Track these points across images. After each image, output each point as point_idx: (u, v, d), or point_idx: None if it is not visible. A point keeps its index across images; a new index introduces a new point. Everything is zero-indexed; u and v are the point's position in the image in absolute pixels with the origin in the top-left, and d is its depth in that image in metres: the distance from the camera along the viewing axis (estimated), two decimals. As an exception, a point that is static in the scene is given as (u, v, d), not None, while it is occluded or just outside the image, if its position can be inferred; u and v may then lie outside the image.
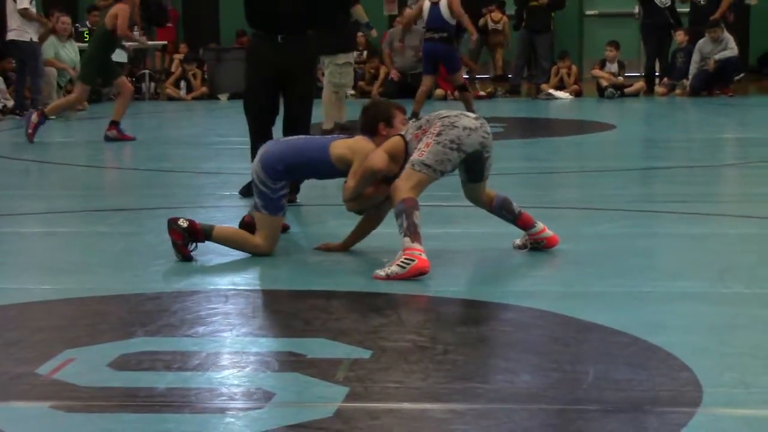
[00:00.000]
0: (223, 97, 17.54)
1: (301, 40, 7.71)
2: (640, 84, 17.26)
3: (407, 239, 5.55)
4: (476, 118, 5.94)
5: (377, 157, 5.81)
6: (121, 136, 12.44)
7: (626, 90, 16.98)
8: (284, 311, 5.13)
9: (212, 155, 11.23)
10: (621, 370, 4.09)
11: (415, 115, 12.49)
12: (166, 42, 18.78)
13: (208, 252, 6.20)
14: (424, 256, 5.50)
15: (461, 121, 5.83)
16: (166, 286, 5.50)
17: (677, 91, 16.88)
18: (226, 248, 6.15)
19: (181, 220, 6.07)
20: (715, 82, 16.68)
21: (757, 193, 8.32)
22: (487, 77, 19.91)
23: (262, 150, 6.15)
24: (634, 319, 4.76)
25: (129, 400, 3.83)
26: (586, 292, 5.28)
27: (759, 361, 4.19)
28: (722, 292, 5.28)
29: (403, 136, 5.91)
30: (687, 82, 16.80)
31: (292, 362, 4.21)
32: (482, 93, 16.75)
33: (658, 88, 17.24)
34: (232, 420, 3.65)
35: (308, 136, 6.49)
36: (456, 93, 13.91)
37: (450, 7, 12.94)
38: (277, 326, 4.84)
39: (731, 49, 16.59)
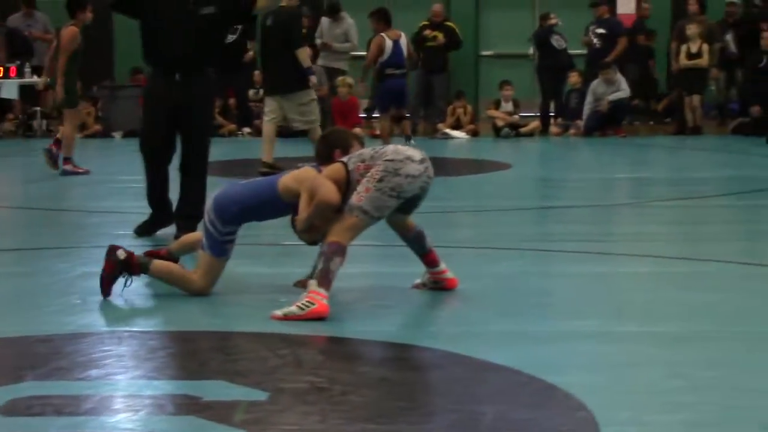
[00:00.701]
0: (118, 135, 17.34)
1: (198, 78, 7.66)
2: (535, 124, 17.47)
3: (314, 282, 5.49)
4: (421, 161, 5.77)
5: (328, 190, 5.62)
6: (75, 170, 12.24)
7: (521, 130, 17.17)
8: (179, 353, 5.04)
9: (106, 194, 11.07)
10: (519, 411, 4.09)
11: None
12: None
13: (99, 293, 6.08)
14: (325, 302, 5.45)
15: (405, 168, 5.66)
16: (58, 328, 5.37)
17: (571, 131, 17.12)
18: (118, 288, 6.02)
19: (120, 251, 5.97)
20: (608, 123, 16.97)
21: (650, 232, 8.44)
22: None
23: (216, 192, 6.06)
24: (532, 358, 4.77)
25: (18, 446, 3.72)
26: (484, 332, 5.28)
27: (655, 399, 4.23)
28: (618, 331, 5.33)
29: (345, 164, 5.82)
30: (581, 123, 17.05)
31: (187, 405, 4.13)
32: (378, 132, 16.77)
33: (553, 128, 17.47)
34: (125, 466, 3.57)
35: (261, 178, 6.34)
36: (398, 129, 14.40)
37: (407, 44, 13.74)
38: (171, 368, 4.75)
39: (624, 90, 16.91)
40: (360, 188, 5.66)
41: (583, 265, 7.04)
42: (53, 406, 4.11)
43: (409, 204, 5.86)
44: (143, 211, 8.21)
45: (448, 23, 18.01)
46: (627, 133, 17.05)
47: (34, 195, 11.22)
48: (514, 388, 4.40)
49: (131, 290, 6.07)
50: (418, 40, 17.46)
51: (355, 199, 5.64)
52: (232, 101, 17.68)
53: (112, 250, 5.97)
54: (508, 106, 17.39)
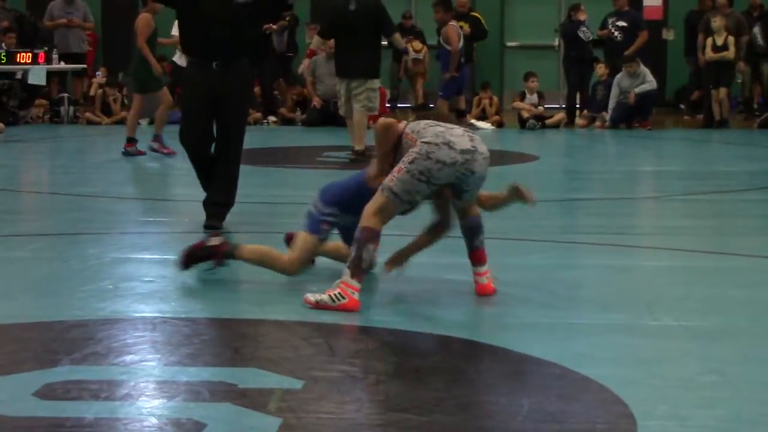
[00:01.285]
0: (144, 122, 17.37)
1: (235, 67, 7.69)
2: (560, 115, 17.41)
3: (348, 272, 5.48)
4: (463, 151, 5.55)
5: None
6: (163, 149, 12.57)
7: (547, 121, 17.12)
8: (213, 340, 5.05)
9: (133, 181, 11.09)
10: (555, 403, 4.08)
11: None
12: (85, 65, 18.54)
13: (133, 279, 6.10)
14: (356, 296, 5.43)
15: (438, 153, 5.49)
16: (91, 313, 5.38)
17: (597, 123, 17.06)
18: (152, 275, 6.03)
19: (215, 239, 6.07)
20: (634, 116, 16.90)
21: (677, 226, 8.41)
22: (408, 106, 19.96)
23: (326, 185, 6.15)
24: (566, 350, 4.76)
25: (56, 429, 3.74)
26: (516, 324, 5.27)
27: (691, 394, 4.22)
28: (650, 325, 5.32)
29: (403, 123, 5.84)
30: (606, 115, 16.99)
31: (222, 392, 4.14)
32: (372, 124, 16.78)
33: (579, 120, 17.41)
34: (163, 451, 3.58)
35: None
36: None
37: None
38: (206, 355, 4.76)
39: (650, 82, 16.82)
40: (395, 168, 5.62)
41: (612, 257, 7.02)
42: (89, 391, 4.13)
43: (458, 191, 5.72)
44: (171, 197, 8.22)
45: (474, 13, 17.96)
46: (653, 126, 16.97)
47: (62, 181, 11.25)
48: (549, 381, 4.39)
49: (161, 279, 6.09)
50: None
51: (388, 178, 5.60)
52: (257, 90, 17.68)
53: (211, 236, 6.08)
54: (533, 98, 17.34)
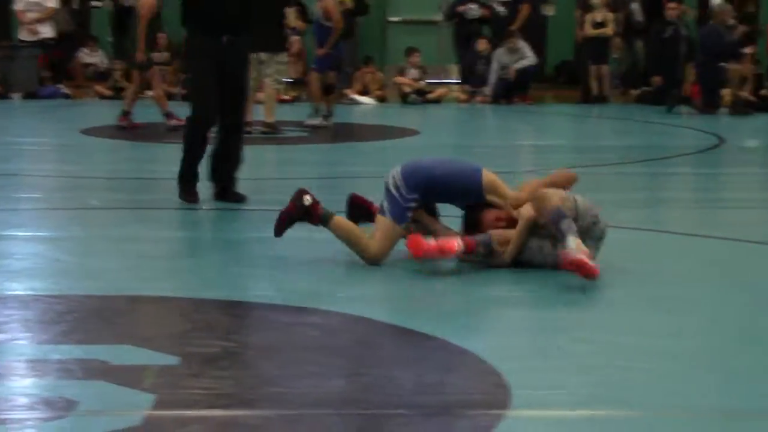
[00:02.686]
0: (16, 96, 16.98)
1: (242, 39, 7.73)
2: (441, 90, 17.50)
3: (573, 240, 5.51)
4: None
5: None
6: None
7: (428, 96, 17.18)
8: (87, 317, 4.96)
9: (6, 156, 10.84)
10: (433, 374, 4.11)
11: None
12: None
13: (5, 256, 5.97)
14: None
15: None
16: (-40, 291, 5.25)
17: (478, 98, 17.18)
18: (24, 252, 5.91)
19: (308, 197, 5.85)
20: (514, 90, 17.05)
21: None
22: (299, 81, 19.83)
23: (406, 161, 6.01)
24: (444, 323, 4.79)
25: None
26: (395, 297, 5.29)
27: (565, 363, 4.28)
28: (526, 296, 5.38)
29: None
30: (487, 90, 17.11)
31: (96, 369, 4.08)
32: (286, 97, 16.66)
33: (460, 95, 17.52)
34: (33, 431, 3.51)
35: (458, 158, 6.36)
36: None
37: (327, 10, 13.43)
38: (79, 332, 4.67)
39: (529, 57, 17.00)
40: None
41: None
42: (-43, 371, 4.03)
43: None
44: (42, 173, 8.04)
45: (356, -12, 17.91)
46: (533, 101, 17.16)
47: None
48: (426, 353, 4.41)
49: (36, 253, 5.97)
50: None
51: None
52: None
53: (300, 193, 5.86)
54: (415, 73, 17.38)
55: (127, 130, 12.49)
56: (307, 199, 5.86)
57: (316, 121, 13.38)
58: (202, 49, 7.68)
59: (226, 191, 7.64)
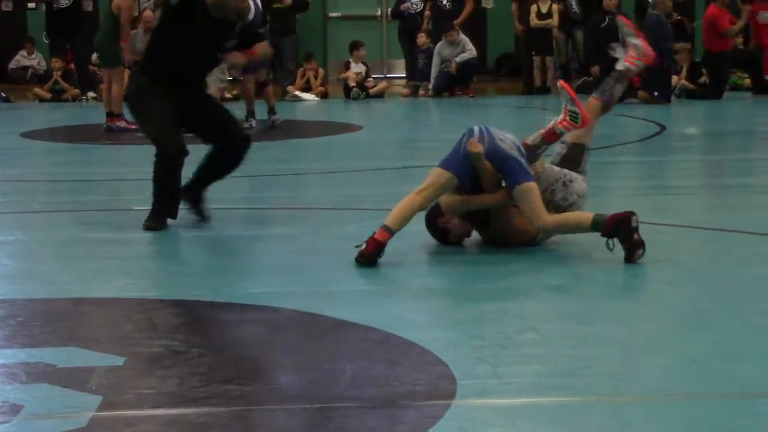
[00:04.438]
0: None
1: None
2: (383, 85, 17.50)
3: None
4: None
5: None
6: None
7: (371, 91, 17.17)
8: (31, 320, 4.92)
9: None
10: (377, 367, 4.12)
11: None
12: None
13: (-53, 262, 5.92)
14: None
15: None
16: None
17: (420, 92, 17.21)
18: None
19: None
20: (456, 84, 17.10)
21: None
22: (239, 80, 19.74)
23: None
24: (387, 315, 4.80)
25: None
26: (339, 291, 5.30)
27: (509, 352, 4.31)
28: (470, 287, 5.41)
29: None
30: (429, 84, 17.15)
31: (41, 372, 4.06)
32: (228, 95, 16.59)
33: (403, 89, 17.55)
34: (-23, 436, 3.49)
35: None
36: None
37: None
38: (23, 336, 4.64)
39: (470, 50, 17.06)
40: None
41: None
42: None
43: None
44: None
45: (296, -15, 17.87)
46: (475, 94, 17.21)
47: None
48: (372, 346, 4.43)
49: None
50: (264, 1, 17.31)
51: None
52: (71, 66, 17.24)
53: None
54: (358, 68, 17.37)
55: (115, 131, 12.36)
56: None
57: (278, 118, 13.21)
58: (154, 92, 6.89)
59: (197, 205, 7.03)
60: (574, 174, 6.14)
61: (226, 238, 6.56)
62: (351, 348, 4.43)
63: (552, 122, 6.02)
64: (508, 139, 5.99)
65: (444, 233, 6.16)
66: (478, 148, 5.88)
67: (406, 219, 5.92)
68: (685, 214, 7.16)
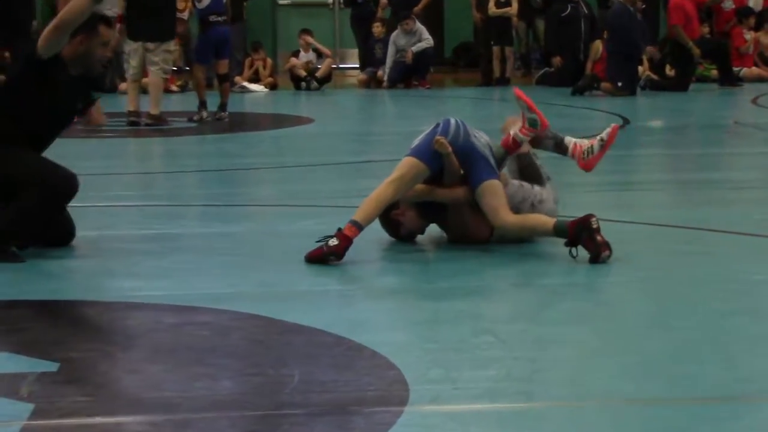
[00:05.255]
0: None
1: None
2: (328, 63, 17.03)
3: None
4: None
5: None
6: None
7: (317, 74, 16.73)
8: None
9: None
10: (326, 372, 3.95)
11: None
12: None
13: None
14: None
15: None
16: None
17: (379, 72, 16.94)
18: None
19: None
20: (411, 74, 16.89)
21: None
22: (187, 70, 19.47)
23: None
24: (338, 318, 4.63)
25: None
26: (287, 292, 5.12)
27: (463, 356, 4.16)
28: (424, 287, 5.26)
29: None
30: (384, 74, 16.95)
31: (-33, 380, 3.85)
32: (174, 87, 16.32)
33: (358, 77, 17.36)
34: None
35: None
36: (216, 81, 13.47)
37: None
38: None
39: (426, 40, 16.84)
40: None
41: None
42: None
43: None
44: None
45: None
46: (432, 85, 17.03)
47: None
48: (321, 350, 4.25)
49: None
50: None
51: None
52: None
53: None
54: (308, 56, 17.07)
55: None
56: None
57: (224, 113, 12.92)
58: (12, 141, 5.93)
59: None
60: (544, 193, 5.99)
61: (171, 237, 6.35)
62: (298, 352, 4.24)
63: (512, 131, 5.90)
64: (482, 137, 5.87)
65: (396, 226, 5.99)
66: (449, 149, 5.71)
67: (376, 211, 5.75)
68: (646, 211, 7.04)
